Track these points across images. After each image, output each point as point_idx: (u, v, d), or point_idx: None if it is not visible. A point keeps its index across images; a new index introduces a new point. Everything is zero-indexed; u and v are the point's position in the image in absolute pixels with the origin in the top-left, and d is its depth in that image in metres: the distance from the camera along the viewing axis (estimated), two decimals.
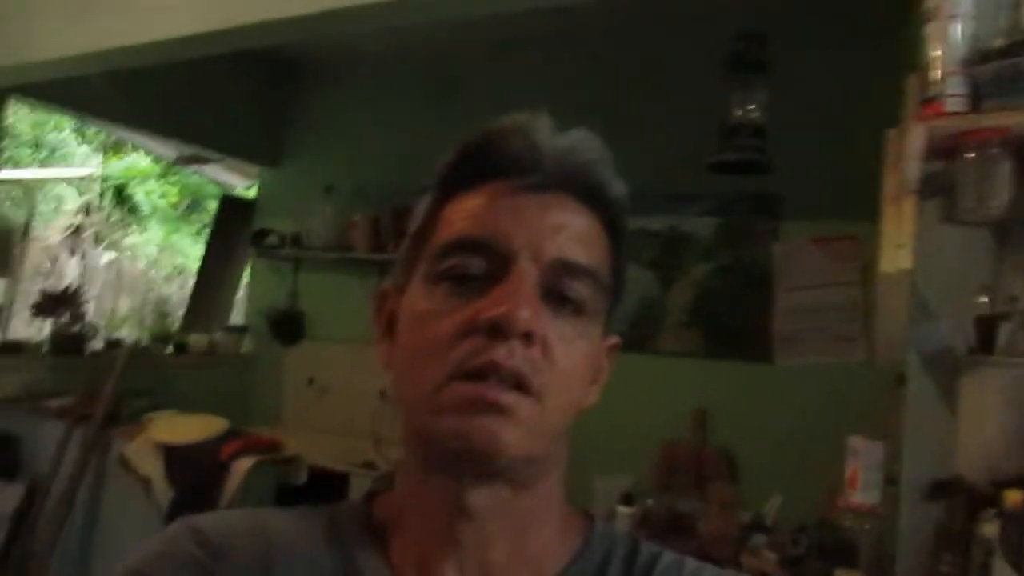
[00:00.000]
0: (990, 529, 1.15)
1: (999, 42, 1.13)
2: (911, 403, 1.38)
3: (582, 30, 3.32)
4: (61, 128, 7.28)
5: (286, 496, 2.91)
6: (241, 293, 4.60)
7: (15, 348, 3.13)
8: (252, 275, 4.47)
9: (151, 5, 2.56)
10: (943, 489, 1.28)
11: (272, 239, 3.88)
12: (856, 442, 1.49)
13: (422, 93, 3.76)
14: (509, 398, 0.47)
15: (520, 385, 0.48)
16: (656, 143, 3.13)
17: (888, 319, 1.25)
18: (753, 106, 1.93)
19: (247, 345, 4.09)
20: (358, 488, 3.12)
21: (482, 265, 0.50)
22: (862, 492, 1.46)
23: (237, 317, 4.54)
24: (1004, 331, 1.21)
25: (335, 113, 4.08)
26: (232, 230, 4.41)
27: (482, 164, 0.53)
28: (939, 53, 1.17)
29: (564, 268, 0.50)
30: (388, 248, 3.52)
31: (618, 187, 0.56)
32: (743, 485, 2.73)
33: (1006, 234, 1.27)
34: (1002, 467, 1.18)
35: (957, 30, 1.15)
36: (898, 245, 1.14)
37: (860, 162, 2.02)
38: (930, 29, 1.18)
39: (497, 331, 0.47)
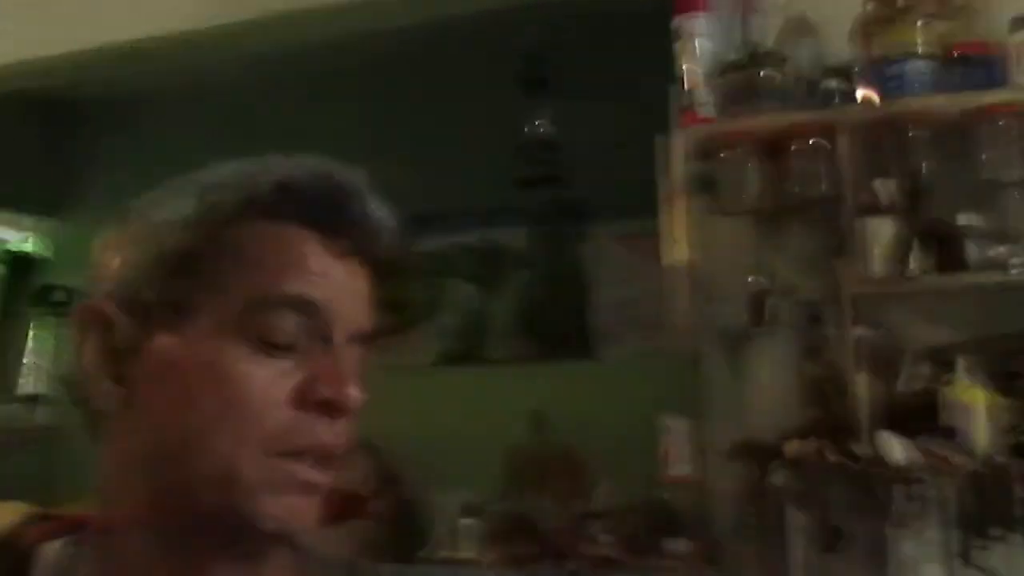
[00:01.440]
0: (779, 478, 1.31)
1: (734, 57, 1.30)
2: (707, 378, 1.54)
3: (376, 60, 3.35)
4: None
5: None
6: (28, 359, 4.16)
7: None
8: (36, 338, 4.06)
9: None
10: (739, 450, 1.45)
11: (60, 295, 3.54)
12: (670, 420, 1.64)
13: (211, 132, 3.62)
14: (324, 478, 0.46)
15: (328, 460, 0.46)
16: (462, 163, 3.22)
17: (674, 305, 1.39)
18: (540, 121, 2.05)
19: (44, 416, 3.69)
20: None
21: (297, 327, 0.46)
22: (678, 465, 1.61)
23: (26, 386, 4.09)
24: (770, 304, 1.39)
25: (127, 156, 3.80)
26: (10, 289, 3.98)
27: (300, 206, 0.48)
28: (688, 67, 1.32)
29: (362, 337, 0.49)
30: None
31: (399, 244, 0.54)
32: (591, 480, 2.87)
33: (764, 221, 1.46)
34: (784, 422, 1.35)
35: (700, 47, 1.32)
36: (675, 240, 1.28)
37: (647, 165, 2.23)
38: (679, 47, 1.34)
39: (330, 410, 0.45)
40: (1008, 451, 1.19)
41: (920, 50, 1.25)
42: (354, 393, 0.46)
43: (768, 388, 1.39)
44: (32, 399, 3.77)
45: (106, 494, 0.50)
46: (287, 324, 0.46)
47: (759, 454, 1.37)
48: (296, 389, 0.45)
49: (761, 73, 1.30)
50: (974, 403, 1.23)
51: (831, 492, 1.25)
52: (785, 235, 1.44)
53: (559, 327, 3.38)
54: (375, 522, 3.08)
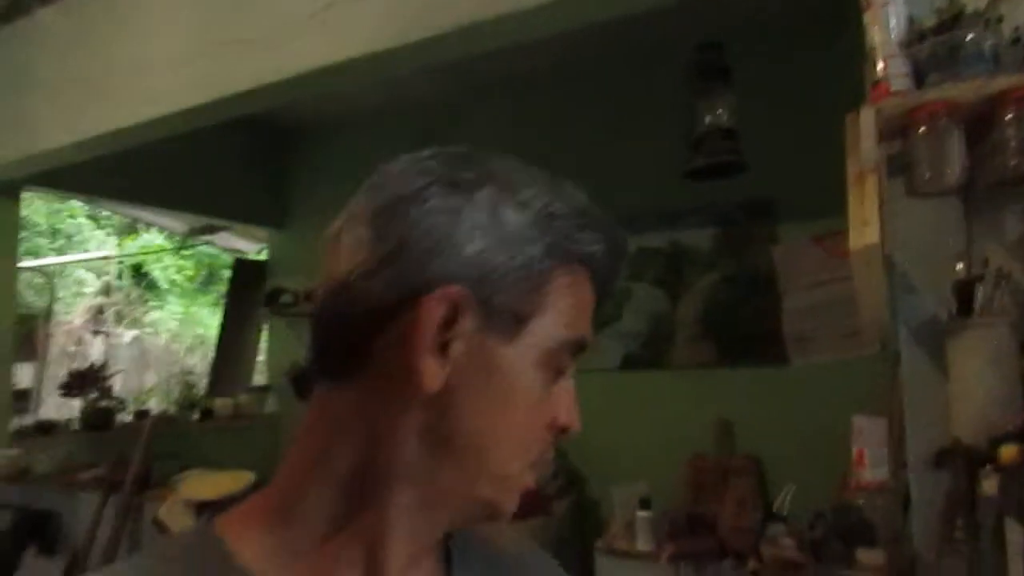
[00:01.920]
0: (990, 486, 1.17)
1: (932, 21, 1.19)
2: (905, 376, 1.41)
3: (553, 67, 3.43)
4: (75, 215, 7.51)
5: None
6: (261, 354, 4.69)
7: (47, 428, 3.22)
8: (270, 335, 4.57)
9: (145, 84, 2.69)
10: (945, 455, 1.31)
11: (286, 298, 3.98)
12: (860, 421, 1.52)
13: (410, 143, 3.88)
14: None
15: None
16: (644, 164, 3.21)
17: (866, 297, 1.29)
18: (720, 111, 1.99)
19: (271, 404, 4.16)
20: None
21: (572, 362, 0.55)
22: (871, 470, 1.49)
23: (259, 378, 4.62)
24: (980, 293, 1.25)
25: (333, 170, 4.21)
26: (246, 294, 4.52)
27: (606, 264, 0.55)
28: (879, 38, 1.23)
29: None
30: None
31: None
32: (772, 487, 2.73)
33: (970, 200, 1.32)
34: (995, 424, 1.20)
35: (892, 14, 1.22)
36: (863, 223, 1.19)
37: (841, 155, 2.09)
38: (868, 17, 1.25)
39: (563, 433, 0.55)
40: None
41: None
42: (580, 423, 0.56)
43: (978, 386, 1.24)
44: (264, 389, 4.26)
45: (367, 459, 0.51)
46: (571, 362, 0.54)
47: (967, 459, 1.23)
48: (553, 415, 0.54)
49: (968, 37, 1.18)
50: None
51: None
52: (997, 215, 1.29)
53: (747, 331, 3.24)
54: (557, 519, 3.14)
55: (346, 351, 0.51)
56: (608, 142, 3.40)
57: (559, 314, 0.52)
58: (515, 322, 0.51)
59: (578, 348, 0.54)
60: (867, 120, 1.21)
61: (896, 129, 1.26)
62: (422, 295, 0.49)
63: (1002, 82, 1.14)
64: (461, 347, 0.49)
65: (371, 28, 2.21)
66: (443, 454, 0.51)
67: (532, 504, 3.14)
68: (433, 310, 0.48)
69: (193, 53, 2.59)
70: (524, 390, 0.52)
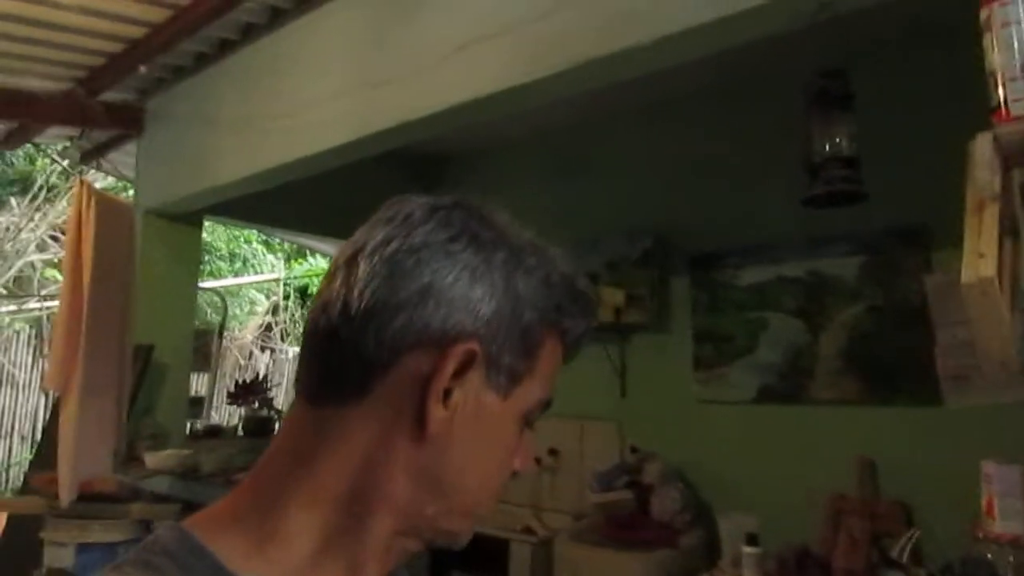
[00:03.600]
0: None
1: None
2: None
3: (685, 94, 3.41)
4: (251, 241, 8.30)
5: (443, 560, 3.06)
6: None
7: (214, 432, 3.60)
8: None
9: (308, 123, 2.97)
10: None
11: None
12: (989, 467, 1.41)
13: (547, 169, 4.00)
14: None
15: None
16: (780, 190, 3.11)
17: (986, 335, 1.21)
18: (839, 139, 1.93)
19: None
20: (518, 553, 3.21)
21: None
22: (1002, 521, 1.37)
23: None
24: None
25: (477, 196, 4.39)
26: None
27: (580, 331, 0.62)
28: (999, 60, 1.17)
29: None
30: None
31: None
32: (925, 536, 2.53)
33: None
34: None
35: (1013, 36, 1.16)
36: (979, 255, 1.12)
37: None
38: (987, 40, 1.19)
39: (516, 476, 0.62)
40: None
41: None
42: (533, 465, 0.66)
43: None
44: None
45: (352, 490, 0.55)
46: (538, 417, 0.61)
47: None
48: (522, 463, 0.62)
49: None
50: None
51: None
52: None
53: (895, 366, 3.04)
54: (684, 552, 3.08)
55: (353, 379, 0.54)
56: (742, 169, 3.34)
57: (542, 377, 0.59)
58: (511, 380, 0.57)
59: (546, 407, 0.61)
60: (984, 147, 1.16)
61: (1020, 156, 1.19)
62: (444, 345, 0.53)
63: None
64: (461, 396, 0.55)
65: (500, 67, 2.33)
66: (429, 490, 0.55)
67: (659, 537, 3.11)
68: (453, 362, 0.53)
69: (343, 92, 2.85)
70: (505, 440, 0.59)
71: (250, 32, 3.27)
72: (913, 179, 2.66)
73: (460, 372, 0.54)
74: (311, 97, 2.98)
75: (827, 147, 2.01)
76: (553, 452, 3.78)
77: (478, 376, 0.55)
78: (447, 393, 0.54)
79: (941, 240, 2.96)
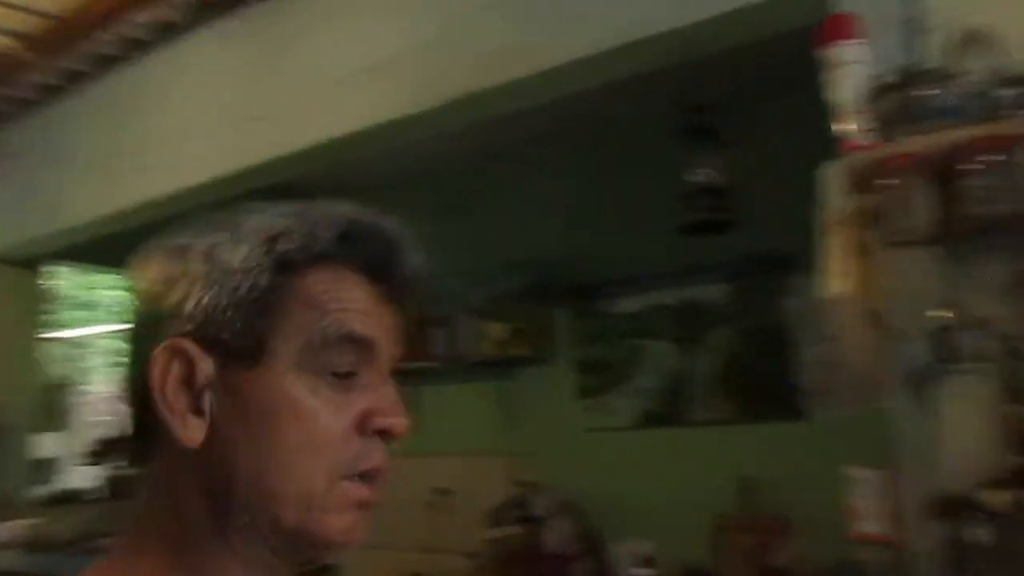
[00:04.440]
0: (982, 534, 1.16)
1: (893, 78, 1.24)
2: (896, 425, 1.41)
3: (569, 128, 3.52)
4: (111, 288, 7.76)
5: None
6: None
7: (70, 497, 3.29)
8: None
9: (180, 157, 2.83)
10: (937, 504, 1.30)
11: None
12: (856, 472, 1.51)
13: (436, 208, 4.00)
14: (376, 496, 0.55)
15: (381, 480, 0.55)
16: (654, 222, 3.25)
17: (849, 348, 1.31)
18: (709, 170, 2.05)
19: None
20: None
21: (354, 362, 0.53)
22: (869, 522, 1.47)
23: None
24: (965, 340, 1.26)
25: None
26: None
27: (358, 256, 0.54)
28: (844, 95, 1.28)
29: (397, 372, 0.58)
30: (411, 357, 3.68)
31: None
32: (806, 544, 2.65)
33: (949, 248, 1.34)
34: (982, 471, 1.20)
35: (853, 74, 1.27)
36: (836, 273, 1.21)
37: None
38: (830, 77, 1.30)
39: (388, 436, 0.54)
40: None
41: None
42: (406, 421, 0.55)
43: (962, 433, 1.24)
44: None
45: (157, 516, 0.53)
46: (348, 358, 0.53)
47: (953, 507, 1.22)
48: (359, 418, 0.53)
49: (929, 91, 1.23)
50: None
51: None
52: (969, 262, 1.31)
53: (765, 386, 3.22)
54: None
55: (144, 427, 0.53)
56: (619, 201, 3.46)
57: (307, 320, 0.52)
58: (255, 347, 0.51)
59: (350, 342, 0.53)
60: (835, 174, 1.25)
61: (867, 182, 1.30)
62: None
63: (963, 134, 1.17)
64: (212, 394, 0.51)
65: (380, 100, 2.32)
66: (231, 497, 0.51)
67: (551, 570, 3.11)
68: (157, 370, 0.51)
69: (218, 125, 2.74)
70: (290, 405, 0.51)
71: (107, 64, 3.09)
72: (776, 208, 2.85)
73: (189, 374, 0.51)
74: (182, 130, 2.85)
75: (697, 178, 2.13)
76: (443, 491, 3.72)
77: (211, 365, 0.51)
78: (199, 399, 0.51)
79: (802, 265, 3.18)
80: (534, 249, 3.72)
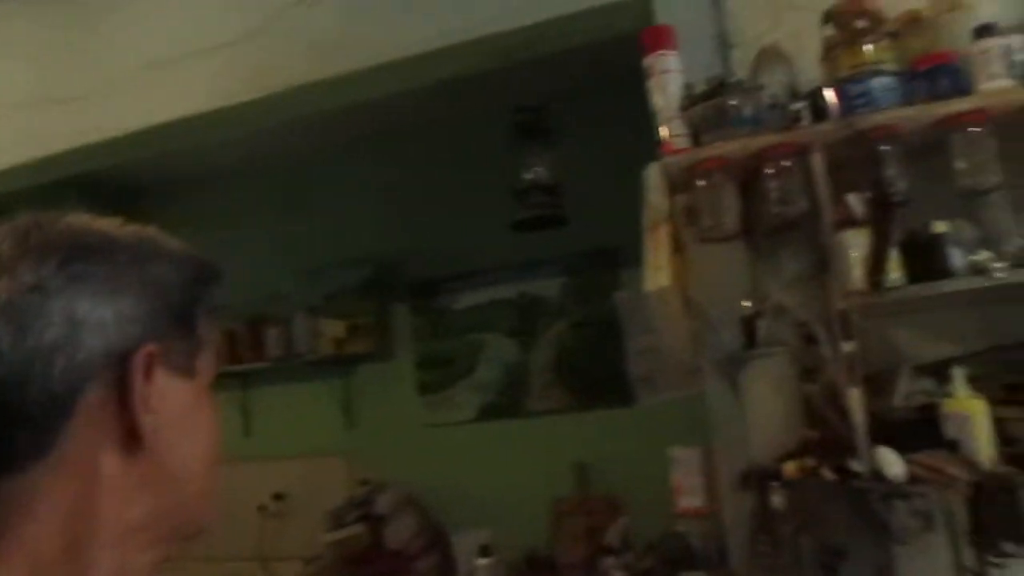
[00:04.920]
0: (781, 501, 1.29)
1: (703, 88, 1.35)
2: (710, 406, 1.54)
3: (411, 124, 3.50)
4: None
5: None
6: None
7: None
8: None
9: None
10: (745, 476, 1.43)
11: None
12: (676, 452, 1.63)
13: (269, 203, 3.83)
14: None
15: None
16: (497, 218, 3.30)
17: (668, 336, 1.41)
18: (540, 168, 2.13)
19: None
20: None
21: None
22: (689, 497, 1.60)
23: None
24: (762, 326, 1.39)
25: (181, 232, 4.04)
26: None
27: (211, 291, 0.63)
28: (661, 102, 1.38)
29: None
30: (245, 359, 3.53)
31: None
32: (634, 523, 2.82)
33: (752, 245, 1.48)
34: (782, 444, 1.34)
35: (670, 81, 1.37)
36: (657, 268, 1.30)
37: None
38: (651, 84, 1.40)
39: None
40: (1010, 461, 1.15)
41: (885, 67, 1.27)
42: None
43: (766, 411, 1.38)
44: None
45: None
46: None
47: (760, 478, 1.35)
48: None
49: (733, 101, 1.34)
50: (974, 414, 1.20)
51: (831, 511, 1.23)
52: (774, 257, 1.45)
53: (597, 375, 3.38)
54: None
55: (25, 443, 0.50)
56: (457, 197, 3.49)
57: (210, 343, 0.61)
58: (189, 360, 0.58)
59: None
60: (655, 175, 1.34)
61: (684, 182, 1.41)
62: (124, 362, 0.52)
63: (761, 141, 1.30)
64: (157, 397, 0.54)
65: (201, 88, 2.19)
66: (160, 493, 0.55)
67: (393, 567, 3.09)
68: (139, 372, 0.53)
69: (19, 108, 2.46)
70: (208, 414, 0.60)
71: None
72: (606, 206, 2.99)
73: (148, 377, 0.53)
74: None
75: (530, 176, 2.20)
76: (278, 496, 3.59)
77: (162, 372, 0.55)
78: (146, 401, 0.53)
79: (629, 260, 3.37)
80: (372, 245, 3.67)
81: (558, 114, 2.36)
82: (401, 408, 3.64)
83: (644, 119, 1.54)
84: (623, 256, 3.38)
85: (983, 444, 1.18)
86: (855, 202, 1.23)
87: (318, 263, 3.74)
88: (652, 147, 1.48)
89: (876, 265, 1.18)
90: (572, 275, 3.52)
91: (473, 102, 2.77)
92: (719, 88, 1.33)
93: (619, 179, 3.07)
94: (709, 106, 1.32)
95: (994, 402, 1.20)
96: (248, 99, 2.14)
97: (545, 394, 3.51)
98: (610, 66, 2.24)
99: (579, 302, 3.52)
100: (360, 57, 1.99)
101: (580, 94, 3.00)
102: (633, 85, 1.53)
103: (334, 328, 3.54)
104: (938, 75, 1.25)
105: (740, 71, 1.47)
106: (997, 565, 1.17)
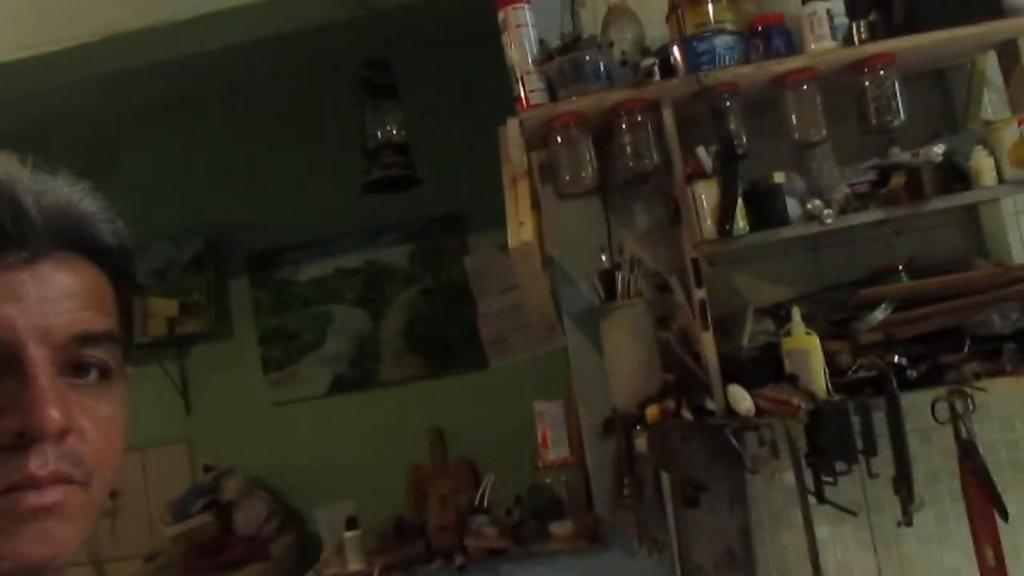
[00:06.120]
0: (643, 444, 1.35)
1: (558, 43, 1.35)
2: (572, 358, 1.58)
3: (242, 83, 3.27)
4: None
5: None
6: None
7: None
8: None
9: None
10: (608, 423, 1.48)
11: None
12: (540, 405, 1.66)
13: (72, 170, 3.45)
14: (55, 494, 0.44)
15: (57, 482, 0.44)
16: (341, 183, 3.17)
17: (530, 291, 1.42)
18: (390, 126, 2.07)
19: None
20: None
21: None
22: (554, 448, 1.64)
23: None
24: (620, 279, 1.44)
25: None
26: None
27: None
28: (516, 57, 1.37)
29: (82, 341, 0.46)
30: None
31: (117, 231, 0.52)
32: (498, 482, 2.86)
33: (608, 199, 1.52)
34: (642, 390, 1.40)
35: (525, 36, 1.36)
36: (519, 223, 1.30)
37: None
38: (505, 38, 1.38)
39: (26, 440, 0.42)
40: (840, 390, 1.27)
41: (727, 26, 1.34)
42: (54, 415, 0.43)
43: (626, 359, 1.43)
44: None
45: None
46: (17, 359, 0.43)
47: (623, 424, 1.41)
48: (19, 424, 0.42)
49: (586, 57, 1.35)
50: (810, 349, 1.31)
51: (689, 448, 1.30)
52: (629, 210, 1.50)
53: (450, 340, 3.38)
54: (277, 562, 2.98)
55: None
56: (296, 162, 3.32)
57: None
58: None
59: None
60: (512, 131, 1.34)
61: (540, 138, 1.41)
62: None
63: (615, 95, 1.32)
64: None
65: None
66: None
67: (247, 553, 2.95)
68: None
69: None
70: None
71: None
72: (453, 170, 2.96)
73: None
74: None
75: (379, 134, 2.12)
76: (112, 494, 3.30)
77: None
78: None
79: (476, 224, 3.37)
80: (203, 215, 3.41)
81: (405, 72, 2.29)
82: (244, 388, 3.45)
83: (494, 78, 1.53)
84: (471, 220, 3.38)
85: (818, 375, 1.29)
86: (703, 155, 1.29)
87: (141, 237, 3.43)
88: (502, 108, 1.47)
89: (724, 215, 1.24)
90: (420, 241, 3.47)
91: (312, 58, 2.62)
92: (574, 43, 1.34)
93: (467, 141, 3.07)
94: (565, 60, 1.32)
95: (824, 338, 1.31)
96: (50, 49, 1.90)
97: (398, 363, 3.46)
98: (457, 22, 2.20)
99: (427, 268, 3.49)
100: (177, 8, 1.81)
101: (427, 51, 2.93)
102: (483, 40, 1.51)
103: (165, 307, 3.27)
104: (772, 35, 1.33)
105: (589, 29, 1.49)
106: (831, 483, 1.29)
